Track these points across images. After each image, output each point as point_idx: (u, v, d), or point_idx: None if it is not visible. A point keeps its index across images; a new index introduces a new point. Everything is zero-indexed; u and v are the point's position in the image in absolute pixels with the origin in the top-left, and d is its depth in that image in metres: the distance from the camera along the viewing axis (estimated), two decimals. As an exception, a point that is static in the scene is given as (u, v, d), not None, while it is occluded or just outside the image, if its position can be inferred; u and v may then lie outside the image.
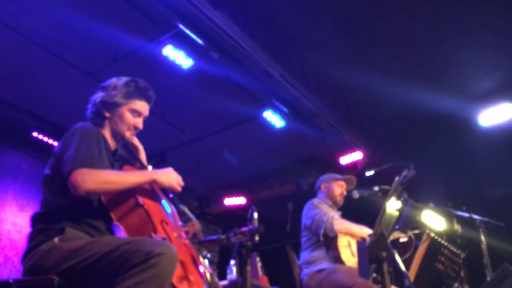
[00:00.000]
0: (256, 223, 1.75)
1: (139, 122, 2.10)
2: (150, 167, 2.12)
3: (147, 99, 2.13)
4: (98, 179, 1.73)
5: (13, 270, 5.23)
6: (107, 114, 2.06)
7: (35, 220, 1.86)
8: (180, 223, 2.01)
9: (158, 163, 6.11)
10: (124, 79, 2.10)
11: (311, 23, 4.46)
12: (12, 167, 5.71)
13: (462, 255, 2.84)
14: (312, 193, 3.84)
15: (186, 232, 1.94)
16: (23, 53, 4.59)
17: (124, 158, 2.14)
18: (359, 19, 4.40)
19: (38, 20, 4.20)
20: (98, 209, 1.86)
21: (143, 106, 2.11)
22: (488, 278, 2.98)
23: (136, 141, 2.17)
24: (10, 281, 1.72)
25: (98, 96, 2.07)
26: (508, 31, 4.40)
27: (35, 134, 5.65)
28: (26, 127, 5.63)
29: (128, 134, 2.09)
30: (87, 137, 1.87)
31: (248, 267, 1.66)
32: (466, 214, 3.31)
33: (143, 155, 2.19)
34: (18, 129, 5.65)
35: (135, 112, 2.08)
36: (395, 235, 3.05)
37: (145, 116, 2.13)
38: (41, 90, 5.14)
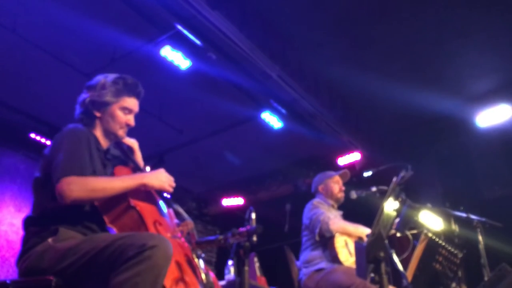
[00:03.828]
0: (254, 224, 1.75)
1: (130, 119, 2.07)
2: (148, 168, 2.11)
3: (137, 95, 2.10)
4: (85, 187, 1.71)
5: (10, 271, 5.22)
6: (98, 114, 2.03)
7: (27, 223, 1.84)
8: (176, 220, 2.00)
9: (156, 165, 6.10)
10: (111, 76, 2.07)
11: (310, 24, 4.47)
12: (9, 168, 5.70)
13: (460, 255, 2.85)
14: (310, 193, 3.84)
15: (181, 232, 1.94)
16: (20, 54, 4.58)
17: (117, 157, 2.12)
18: (358, 20, 4.41)
19: (35, 20, 4.19)
20: (91, 212, 1.84)
21: (133, 103, 2.08)
22: (486, 278, 2.99)
23: (128, 140, 2.14)
24: (8, 282, 1.71)
25: (86, 96, 2.04)
26: (506, 33, 4.41)
27: (32, 135, 5.64)
28: (23, 128, 5.62)
29: (121, 132, 2.06)
30: (77, 141, 1.84)
31: (246, 268, 1.65)
32: (463, 214, 3.32)
33: (138, 154, 2.16)
34: (15, 130, 5.64)
35: (126, 110, 2.05)
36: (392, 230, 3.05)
37: (135, 112, 2.11)
38: (38, 91, 5.13)
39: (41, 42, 4.42)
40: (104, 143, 2.06)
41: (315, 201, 3.62)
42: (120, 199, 1.81)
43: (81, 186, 1.70)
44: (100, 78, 2.07)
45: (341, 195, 3.68)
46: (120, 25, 4.13)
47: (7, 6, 4.01)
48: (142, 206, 1.84)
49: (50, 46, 4.48)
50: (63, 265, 1.65)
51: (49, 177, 1.78)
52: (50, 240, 1.73)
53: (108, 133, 2.05)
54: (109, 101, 2.02)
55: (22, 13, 4.11)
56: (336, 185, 3.69)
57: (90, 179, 1.75)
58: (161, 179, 1.93)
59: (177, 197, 2.06)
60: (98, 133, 2.04)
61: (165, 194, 2.06)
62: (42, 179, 1.86)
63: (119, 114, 2.04)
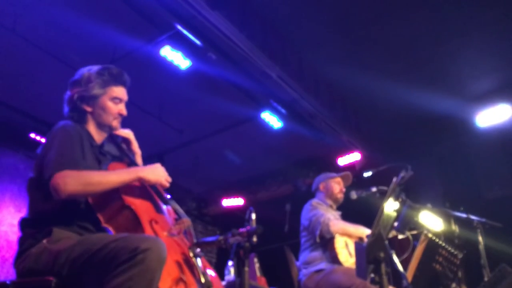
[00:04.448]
0: (254, 224, 1.74)
1: (122, 109, 2.04)
2: None
3: (123, 84, 2.06)
4: (80, 181, 1.68)
5: (10, 272, 5.22)
6: (88, 109, 1.99)
7: (23, 225, 1.83)
8: (174, 216, 1.99)
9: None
10: (95, 68, 2.03)
11: (309, 24, 4.47)
12: (9, 168, 5.70)
13: (460, 256, 2.85)
14: (310, 194, 3.84)
15: (178, 230, 1.92)
16: (20, 54, 4.58)
17: (112, 153, 2.09)
18: (357, 20, 4.41)
19: (35, 21, 4.19)
20: (86, 211, 1.81)
21: (121, 92, 2.04)
22: (486, 279, 2.99)
23: (122, 132, 2.10)
24: (7, 282, 1.71)
25: (74, 92, 2.00)
26: (506, 33, 4.41)
27: (32, 135, 5.64)
28: (23, 128, 5.62)
29: (115, 123, 2.03)
30: (69, 137, 1.82)
31: (246, 268, 1.65)
32: (463, 215, 3.32)
33: (135, 144, 2.13)
34: (15, 130, 5.63)
35: (116, 99, 2.01)
36: (393, 232, 3.06)
37: (125, 101, 2.07)
38: (38, 91, 5.13)
39: (41, 42, 4.42)
40: (98, 138, 2.02)
41: (314, 201, 3.62)
42: (114, 198, 1.78)
43: (76, 180, 1.67)
44: (83, 72, 2.04)
45: (340, 196, 3.69)
46: (120, 25, 4.13)
47: (7, 6, 4.01)
48: (137, 205, 1.81)
49: (50, 46, 4.48)
50: (58, 267, 1.64)
51: (42, 177, 1.75)
52: (45, 241, 1.71)
53: (102, 126, 2.02)
54: (97, 93, 1.98)
55: (22, 13, 4.11)
56: (337, 185, 3.71)
57: (85, 173, 1.72)
58: (157, 173, 1.90)
59: (177, 197, 2.04)
60: (91, 128, 2.01)
61: (163, 193, 2.05)
62: (36, 179, 1.83)
63: (110, 105, 2.00)
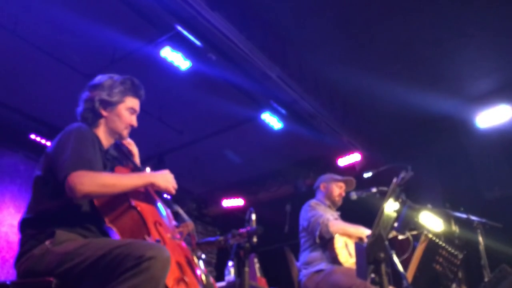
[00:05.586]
0: (254, 225, 1.75)
1: (134, 120, 2.11)
2: (148, 169, 2.10)
3: (139, 97, 2.14)
4: (95, 181, 1.70)
5: (10, 272, 5.22)
6: (105, 113, 2.04)
7: (24, 225, 1.82)
8: (174, 222, 2.00)
9: (156, 165, 6.10)
10: (118, 77, 2.10)
11: (309, 24, 4.47)
12: (9, 169, 5.70)
13: (460, 256, 2.85)
14: (310, 194, 3.85)
15: (181, 233, 1.93)
16: (21, 55, 4.59)
17: (115, 158, 2.12)
18: (357, 21, 4.41)
19: (36, 21, 4.19)
20: (90, 212, 1.82)
21: (137, 104, 2.12)
22: (486, 279, 2.99)
23: (127, 143, 2.15)
24: (8, 283, 1.71)
25: (95, 94, 2.04)
26: (506, 33, 4.41)
27: (32, 136, 5.64)
28: (23, 129, 5.62)
29: (125, 133, 2.09)
30: (85, 138, 1.85)
31: (246, 269, 1.66)
32: (463, 215, 3.32)
33: (136, 156, 2.17)
34: (15, 131, 5.64)
35: (131, 110, 2.09)
36: (393, 233, 3.06)
37: (137, 113, 2.14)
38: (39, 92, 5.13)
39: (41, 43, 4.43)
40: (106, 143, 2.06)
41: (312, 202, 3.63)
42: (120, 199, 1.80)
43: (92, 180, 1.70)
44: (105, 78, 2.09)
45: (338, 199, 3.71)
46: (120, 26, 4.14)
47: (7, 7, 4.02)
48: (143, 207, 1.83)
49: (50, 47, 4.48)
50: (61, 270, 1.64)
51: (51, 175, 1.77)
52: (47, 242, 1.71)
53: (113, 133, 2.07)
54: (116, 100, 2.05)
55: (23, 14, 4.11)
56: (337, 188, 3.72)
57: (100, 174, 1.76)
58: (167, 180, 1.94)
59: (177, 198, 2.05)
60: (101, 133, 2.05)
61: (165, 195, 2.06)
62: (43, 177, 1.84)
63: (125, 114, 2.06)
